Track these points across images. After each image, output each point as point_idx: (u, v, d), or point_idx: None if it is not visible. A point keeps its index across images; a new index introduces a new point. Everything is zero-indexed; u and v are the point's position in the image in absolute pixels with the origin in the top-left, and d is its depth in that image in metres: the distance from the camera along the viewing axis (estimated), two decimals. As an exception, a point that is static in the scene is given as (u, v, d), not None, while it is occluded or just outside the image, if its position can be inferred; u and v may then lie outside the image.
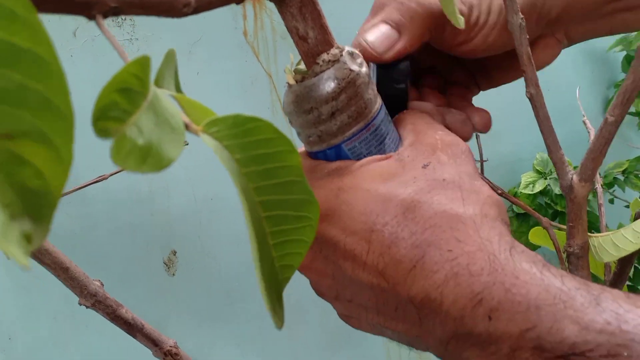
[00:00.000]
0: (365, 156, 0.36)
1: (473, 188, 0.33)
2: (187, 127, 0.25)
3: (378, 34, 0.40)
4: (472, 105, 0.47)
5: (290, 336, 0.92)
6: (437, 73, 0.48)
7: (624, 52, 1.50)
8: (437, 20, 0.40)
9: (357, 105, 0.35)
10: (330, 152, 0.36)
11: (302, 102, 0.35)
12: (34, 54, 0.18)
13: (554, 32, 0.47)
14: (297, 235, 0.30)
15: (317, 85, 0.35)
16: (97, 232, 0.68)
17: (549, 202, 1.25)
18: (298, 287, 0.92)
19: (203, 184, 0.77)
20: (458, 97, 0.49)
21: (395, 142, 0.37)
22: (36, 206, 0.19)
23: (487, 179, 0.47)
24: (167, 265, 0.75)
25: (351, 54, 0.36)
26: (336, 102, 0.35)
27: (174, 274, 0.75)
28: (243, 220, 0.95)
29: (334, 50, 0.35)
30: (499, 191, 0.51)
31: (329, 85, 0.35)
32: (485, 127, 0.45)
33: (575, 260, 0.46)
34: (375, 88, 0.37)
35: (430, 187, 0.32)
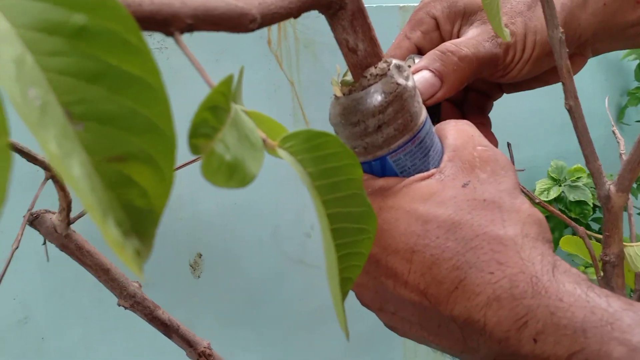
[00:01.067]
0: (409, 168, 0.37)
1: (513, 207, 0.33)
2: (264, 142, 0.26)
3: (422, 80, 0.41)
4: (484, 125, 0.49)
5: (311, 341, 0.92)
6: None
7: (637, 61, 1.51)
8: (477, 69, 0.42)
9: (403, 119, 0.36)
10: (375, 164, 0.37)
11: (349, 115, 0.36)
12: (144, 81, 0.19)
13: (582, 50, 0.48)
14: (357, 248, 0.31)
15: (365, 99, 0.35)
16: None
17: (563, 208, 1.26)
18: (318, 293, 0.93)
19: (228, 190, 0.78)
20: (475, 107, 0.50)
21: (439, 153, 0.38)
22: (141, 224, 0.20)
23: (525, 189, 0.48)
24: (192, 267, 0.76)
25: (398, 67, 0.36)
26: (383, 115, 0.35)
27: (199, 276, 0.76)
28: (265, 225, 0.98)
29: (381, 64, 0.35)
30: (537, 200, 0.51)
31: (376, 98, 0.35)
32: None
33: (610, 269, 0.47)
34: (420, 100, 0.38)
35: (471, 207, 0.33)
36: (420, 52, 0.48)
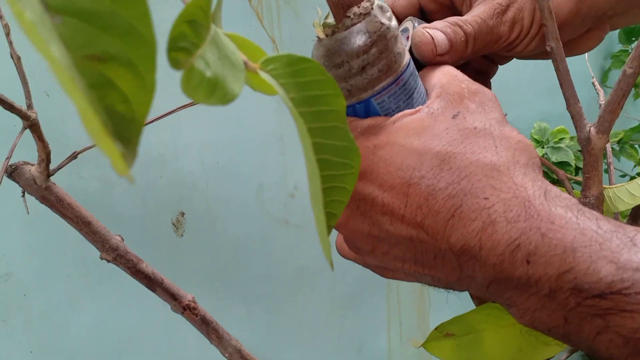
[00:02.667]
0: (393, 110, 0.37)
1: (503, 134, 0.34)
2: (245, 64, 0.26)
3: (437, 36, 0.40)
4: None
5: (296, 299, 0.93)
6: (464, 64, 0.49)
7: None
8: (479, 47, 0.42)
9: (387, 59, 0.35)
10: (359, 107, 0.37)
11: (333, 56, 0.35)
12: (121, -20, 0.19)
13: (600, 24, 0.48)
14: (341, 182, 0.30)
15: (349, 39, 0.35)
16: (109, 194, 0.69)
17: (545, 170, 1.27)
18: (302, 253, 0.93)
19: (210, 148, 0.77)
20: (479, 72, 0.50)
21: (422, 96, 0.38)
22: (124, 131, 0.20)
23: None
24: (175, 226, 0.75)
25: (381, 7, 0.36)
26: (367, 55, 0.35)
27: (182, 235, 0.76)
28: (249, 185, 0.97)
29: (364, 4, 0.35)
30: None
31: (360, 38, 0.35)
32: None
33: (589, 210, 0.48)
34: (404, 42, 0.38)
35: (463, 136, 0.33)
36: (423, 10, 0.48)
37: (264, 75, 0.26)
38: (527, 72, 1.29)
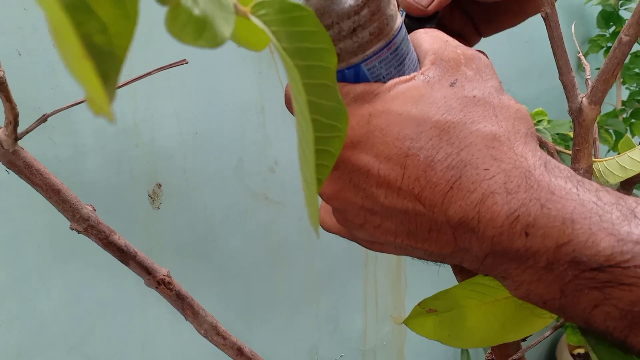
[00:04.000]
0: (384, 77, 0.35)
1: (502, 103, 0.33)
2: (234, 7, 0.24)
3: None
4: None
5: (272, 277, 0.92)
6: (442, 25, 0.47)
7: (600, 7, 1.52)
8: None
9: (379, 22, 0.34)
10: (348, 72, 0.35)
11: (323, 17, 0.34)
12: None
13: None
14: (327, 145, 0.29)
15: None
16: (82, 162, 0.66)
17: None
18: (281, 229, 0.92)
19: (188, 118, 0.75)
20: None
21: (414, 62, 0.36)
22: (101, 65, 0.18)
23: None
24: (152, 198, 0.73)
25: None
26: (358, 16, 0.33)
27: (158, 208, 0.74)
28: (228, 157, 0.95)
29: None
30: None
31: None
32: None
33: (578, 184, 0.47)
34: (396, 5, 0.36)
35: (462, 105, 0.32)
36: None
37: (255, 21, 0.24)
38: (502, 56, 1.29)
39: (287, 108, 0.37)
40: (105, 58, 0.18)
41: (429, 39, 0.37)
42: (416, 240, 0.33)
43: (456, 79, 0.33)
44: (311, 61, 0.27)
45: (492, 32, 0.49)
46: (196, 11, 0.21)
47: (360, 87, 0.34)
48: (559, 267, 0.29)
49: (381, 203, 0.33)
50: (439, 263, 0.38)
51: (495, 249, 0.30)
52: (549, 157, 0.32)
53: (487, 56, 0.37)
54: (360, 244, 0.39)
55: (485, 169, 0.30)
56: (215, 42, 0.22)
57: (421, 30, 0.38)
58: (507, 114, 0.32)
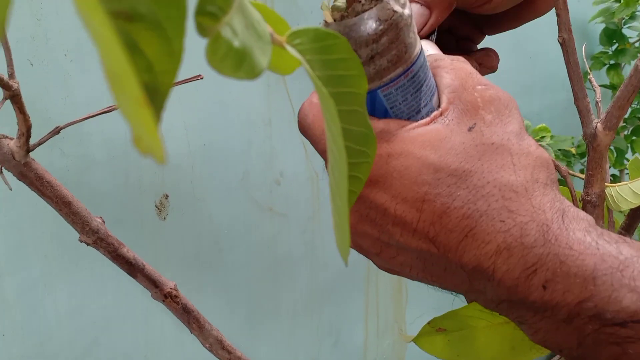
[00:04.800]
0: (400, 103, 0.35)
1: (522, 150, 0.32)
2: (271, 36, 0.24)
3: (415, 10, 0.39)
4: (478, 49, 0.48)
5: (277, 288, 0.91)
6: (449, 31, 0.47)
7: (604, 25, 1.52)
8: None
9: (397, 49, 0.33)
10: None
11: None
12: None
13: None
14: (356, 171, 0.29)
15: (358, 26, 0.33)
16: (90, 172, 0.66)
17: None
18: (285, 241, 0.92)
19: (196, 129, 0.75)
20: (466, 50, 0.49)
21: (432, 89, 0.36)
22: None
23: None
24: (158, 209, 0.73)
25: None
26: (376, 45, 0.33)
27: (165, 218, 0.74)
28: (234, 169, 0.95)
29: None
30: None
31: (370, 26, 0.32)
32: (493, 65, 0.45)
33: (591, 209, 0.47)
34: (416, 31, 0.36)
35: (480, 153, 0.32)
36: None
37: (291, 50, 0.24)
38: (506, 71, 1.28)
39: (302, 132, 0.37)
40: (150, 95, 0.18)
41: (451, 72, 0.36)
42: (431, 275, 0.33)
43: (474, 123, 0.33)
44: (342, 88, 0.27)
45: (495, 32, 0.49)
46: (235, 43, 0.21)
47: (379, 126, 0.34)
48: (579, 320, 0.29)
49: (397, 240, 0.33)
50: (454, 293, 0.38)
51: (512, 298, 0.30)
52: (567, 207, 0.31)
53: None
54: (380, 268, 0.39)
55: (500, 221, 0.30)
56: (253, 73, 0.22)
57: (446, 59, 0.37)
58: (526, 162, 0.32)
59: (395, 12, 0.33)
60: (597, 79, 1.58)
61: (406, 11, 0.34)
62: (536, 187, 0.31)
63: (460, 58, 0.37)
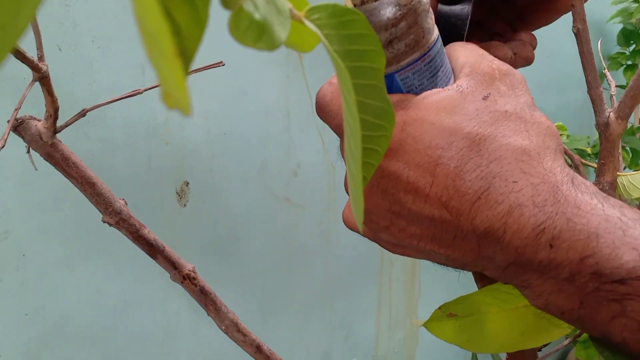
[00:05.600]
0: (417, 87, 0.36)
1: (534, 119, 0.34)
2: (290, 11, 0.25)
3: None
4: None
5: (290, 279, 0.93)
6: (480, 26, 0.48)
7: (621, 25, 1.52)
8: None
9: (415, 34, 0.34)
10: None
11: None
12: None
13: None
14: (374, 144, 0.30)
15: (378, 10, 0.34)
16: (113, 156, 0.67)
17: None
18: (301, 232, 0.93)
19: (217, 118, 0.76)
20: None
21: (448, 74, 0.37)
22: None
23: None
24: (179, 195, 0.74)
25: None
26: (395, 29, 0.34)
27: (185, 205, 0.75)
28: (253, 159, 0.96)
29: None
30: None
31: (390, 10, 0.34)
32: (529, 56, 0.46)
33: (602, 197, 0.48)
34: (433, 17, 0.37)
35: (493, 119, 0.33)
36: None
37: (309, 24, 0.25)
38: (522, 69, 1.29)
39: (319, 112, 0.38)
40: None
41: (465, 52, 0.37)
42: (439, 245, 0.34)
43: (489, 93, 0.34)
44: (361, 62, 0.28)
45: (527, 29, 0.49)
46: (257, 16, 0.23)
47: (395, 97, 0.35)
48: (580, 278, 0.30)
49: (408, 208, 0.34)
50: (459, 270, 0.38)
51: (519, 260, 0.31)
52: (575, 174, 0.32)
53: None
54: (381, 246, 0.40)
55: (513, 182, 0.31)
56: (273, 45, 0.23)
57: (458, 44, 0.39)
58: (538, 130, 0.33)
59: None
60: (615, 79, 1.57)
61: None
62: (548, 152, 0.32)
63: (471, 44, 0.39)
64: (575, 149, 1.37)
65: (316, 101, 0.38)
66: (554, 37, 1.38)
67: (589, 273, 0.29)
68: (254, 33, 0.23)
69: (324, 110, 0.37)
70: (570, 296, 0.31)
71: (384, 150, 0.30)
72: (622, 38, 1.56)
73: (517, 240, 0.31)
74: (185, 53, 0.20)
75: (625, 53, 1.57)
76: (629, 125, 1.56)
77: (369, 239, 0.41)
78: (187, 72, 0.20)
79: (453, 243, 0.33)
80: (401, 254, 0.39)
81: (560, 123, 1.30)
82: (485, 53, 0.37)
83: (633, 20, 1.49)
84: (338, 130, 0.36)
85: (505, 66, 0.36)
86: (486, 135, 0.32)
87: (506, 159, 0.32)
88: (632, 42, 1.55)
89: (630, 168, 1.47)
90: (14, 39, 0.12)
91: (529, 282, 0.32)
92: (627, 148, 1.45)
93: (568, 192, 0.31)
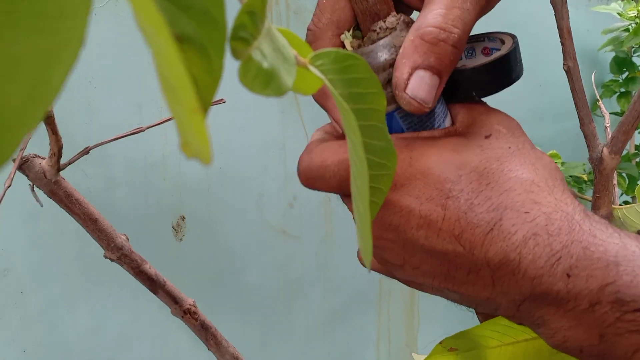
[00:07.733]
0: (416, 124, 0.37)
1: (536, 155, 0.34)
2: (295, 58, 0.26)
3: (425, 88, 0.34)
4: None
5: (290, 310, 0.93)
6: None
7: (614, 53, 1.54)
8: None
9: None
10: None
11: None
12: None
13: None
14: (377, 183, 0.30)
15: (375, 52, 0.35)
16: (112, 193, 0.68)
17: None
18: (298, 264, 0.93)
19: (214, 153, 0.77)
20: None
21: (445, 114, 0.38)
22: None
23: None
24: (175, 230, 0.75)
25: (407, 23, 0.36)
26: (392, 69, 0.35)
27: (181, 239, 0.76)
28: (249, 192, 0.97)
29: (390, 18, 0.36)
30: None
31: (385, 52, 0.35)
32: None
33: (598, 229, 0.49)
34: None
35: (498, 155, 0.33)
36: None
37: (314, 70, 0.26)
38: (516, 98, 1.30)
39: (307, 178, 0.37)
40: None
41: (463, 108, 0.38)
42: (454, 283, 0.34)
43: (490, 133, 0.34)
44: (363, 104, 0.29)
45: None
46: (265, 64, 0.24)
47: (399, 137, 0.36)
48: (600, 309, 0.29)
49: (421, 244, 0.33)
50: (471, 309, 0.38)
51: (535, 292, 0.31)
52: (584, 206, 0.32)
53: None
54: (397, 279, 0.40)
55: (525, 212, 0.31)
56: (280, 91, 0.24)
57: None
58: (543, 164, 0.33)
59: None
60: (608, 107, 1.59)
61: None
62: (556, 184, 0.32)
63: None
64: (571, 175, 1.38)
65: (301, 169, 0.37)
66: (546, 67, 1.40)
67: (610, 302, 0.29)
68: (262, 81, 0.23)
69: (316, 172, 0.36)
70: (590, 330, 0.30)
71: (387, 189, 0.30)
72: (615, 66, 1.59)
73: (533, 270, 0.30)
74: (202, 102, 0.21)
75: (618, 80, 1.59)
76: (625, 152, 1.58)
77: (383, 274, 0.40)
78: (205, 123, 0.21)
79: (467, 279, 0.33)
80: (417, 289, 0.39)
81: (555, 151, 1.31)
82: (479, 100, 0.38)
83: (625, 48, 1.51)
84: (339, 188, 0.36)
85: (502, 114, 0.37)
86: (494, 169, 0.32)
87: (515, 190, 0.32)
88: (624, 69, 1.58)
89: (627, 194, 1.48)
90: (49, 99, 0.13)
91: (544, 318, 0.31)
92: (624, 174, 1.46)
93: (582, 221, 0.31)
